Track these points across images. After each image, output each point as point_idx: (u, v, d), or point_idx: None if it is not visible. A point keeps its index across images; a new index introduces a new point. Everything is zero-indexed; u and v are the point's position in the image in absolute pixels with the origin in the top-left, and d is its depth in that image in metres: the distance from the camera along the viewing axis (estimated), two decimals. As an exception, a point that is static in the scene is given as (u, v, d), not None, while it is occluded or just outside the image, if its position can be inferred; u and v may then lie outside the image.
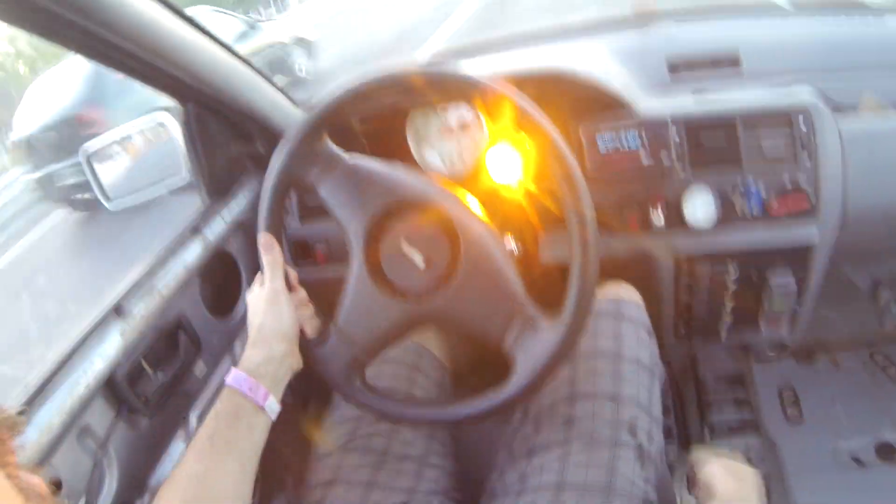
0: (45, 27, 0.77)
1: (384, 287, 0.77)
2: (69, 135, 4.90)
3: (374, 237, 0.77)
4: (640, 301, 0.97)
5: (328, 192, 0.79)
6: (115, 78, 4.76)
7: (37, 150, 5.24)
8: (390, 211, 0.77)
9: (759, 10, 1.42)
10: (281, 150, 0.80)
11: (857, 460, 1.31)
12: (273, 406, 0.74)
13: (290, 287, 0.81)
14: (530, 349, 0.72)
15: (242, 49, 3.87)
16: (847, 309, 1.52)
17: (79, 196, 5.15)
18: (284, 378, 0.78)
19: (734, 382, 1.42)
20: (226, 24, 6.82)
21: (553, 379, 0.73)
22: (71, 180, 5.05)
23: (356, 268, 0.77)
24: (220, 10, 7.01)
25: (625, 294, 0.97)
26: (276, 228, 0.82)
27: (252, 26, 7.14)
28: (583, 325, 0.72)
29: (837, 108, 1.06)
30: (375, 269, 0.77)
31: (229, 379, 0.73)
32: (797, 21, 1.33)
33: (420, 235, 0.76)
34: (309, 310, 0.82)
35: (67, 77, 5.35)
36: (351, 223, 0.78)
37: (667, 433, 1.32)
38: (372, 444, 0.87)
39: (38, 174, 5.32)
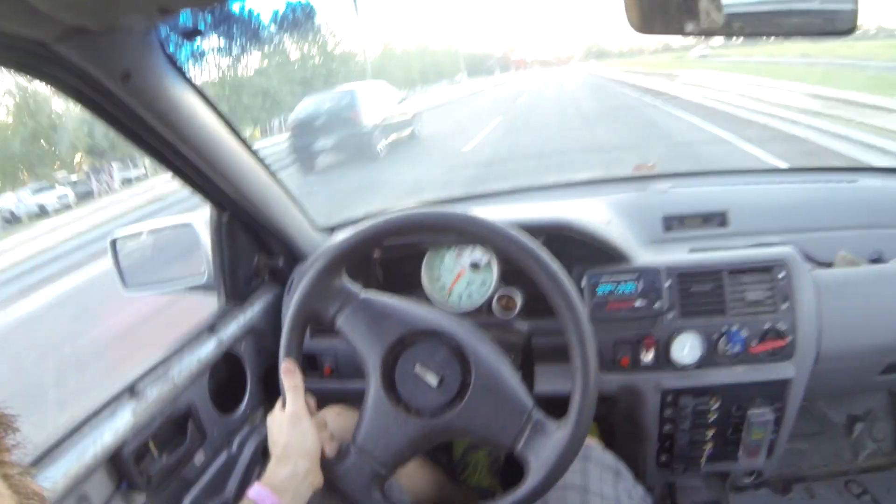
0: (130, 131, 0.87)
1: (400, 407, 0.82)
2: (327, 124, 9.98)
3: (389, 363, 0.84)
4: (602, 447, 1.04)
5: (346, 325, 0.86)
6: (361, 102, 10.29)
7: (303, 128, 10.24)
8: (404, 339, 0.84)
9: (747, 175, 1.55)
10: (303, 284, 0.87)
11: None
12: None
13: (309, 410, 0.86)
14: (542, 450, 0.78)
15: (393, 110, 11.37)
16: (822, 442, 1.57)
17: (316, 159, 10.28)
18: (305, 495, 0.81)
19: None
20: (394, 94, 12.02)
21: (563, 474, 0.78)
22: (318, 149, 10.04)
23: (374, 390, 0.83)
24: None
25: (589, 441, 1.03)
26: (297, 354, 0.88)
27: (403, 98, 12.43)
28: (588, 424, 0.78)
29: (816, 264, 1.15)
30: (391, 391, 0.83)
31: (252, 493, 0.77)
32: (782, 185, 1.44)
33: (432, 359, 0.83)
34: (327, 431, 0.87)
35: (323, 98, 11.33)
36: (368, 352, 0.84)
37: None
38: None
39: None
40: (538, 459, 0.78)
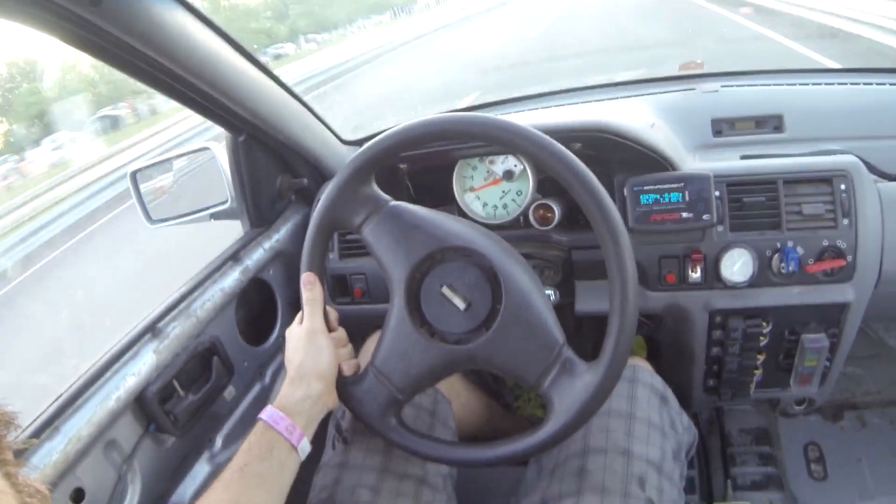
0: (117, 59, 0.80)
1: (423, 329, 0.77)
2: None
3: (415, 280, 0.78)
4: (653, 370, 0.98)
5: (372, 236, 0.80)
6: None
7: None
8: (433, 256, 0.78)
9: (805, 74, 1.41)
10: (328, 191, 0.81)
11: None
12: (305, 447, 0.75)
13: (329, 326, 0.82)
14: (568, 392, 0.72)
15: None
16: (877, 368, 1.50)
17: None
18: (318, 417, 0.78)
19: (759, 437, 1.41)
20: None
21: (587, 421, 0.74)
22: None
23: (396, 310, 0.78)
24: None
25: (639, 363, 0.98)
26: (319, 267, 0.83)
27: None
28: (620, 371, 0.72)
29: (881, 176, 1.05)
30: (416, 311, 0.78)
31: (265, 415, 0.74)
32: (843, 87, 1.31)
33: (461, 280, 0.77)
34: (347, 349, 0.83)
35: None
36: (394, 267, 0.78)
37: (689, 486, 1.31)
38: (369, 462, 0.86)
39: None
40: (562, 403, 0.72)
